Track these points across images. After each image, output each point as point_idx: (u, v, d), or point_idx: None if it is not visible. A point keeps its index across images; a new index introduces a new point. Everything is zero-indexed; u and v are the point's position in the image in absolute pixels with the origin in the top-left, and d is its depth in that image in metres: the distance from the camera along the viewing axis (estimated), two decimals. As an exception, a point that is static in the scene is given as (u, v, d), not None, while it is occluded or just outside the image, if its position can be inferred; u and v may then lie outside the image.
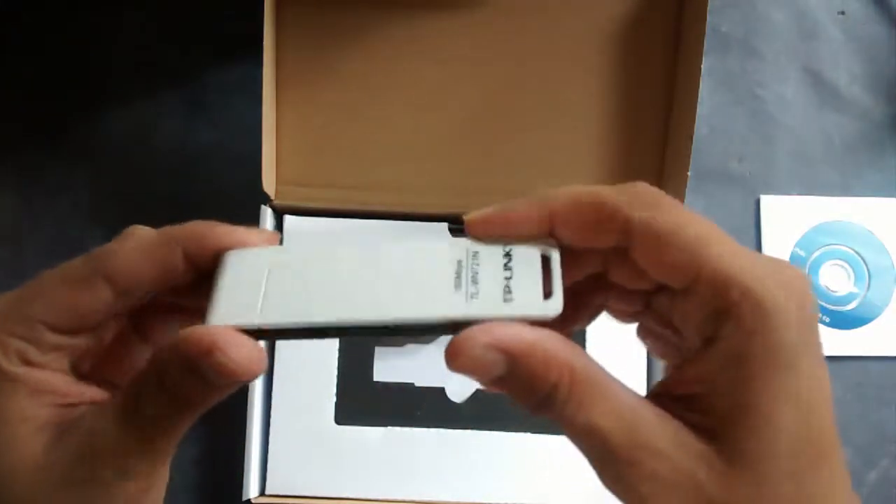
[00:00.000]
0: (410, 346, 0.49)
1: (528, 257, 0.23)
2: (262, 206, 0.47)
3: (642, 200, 0.24)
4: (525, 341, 0.21)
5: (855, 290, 0.54)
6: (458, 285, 0.22)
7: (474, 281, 0.22)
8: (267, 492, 0.46)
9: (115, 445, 0.22)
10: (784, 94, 0.56)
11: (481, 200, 0.49)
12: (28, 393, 0.23)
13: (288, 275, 0.23)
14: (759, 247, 0.54)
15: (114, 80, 0.55)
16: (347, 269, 0.23)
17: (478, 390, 0.48)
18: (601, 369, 0.22)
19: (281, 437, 0.47)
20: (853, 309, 0.53)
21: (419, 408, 0.48)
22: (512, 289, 0.22)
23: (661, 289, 0.24)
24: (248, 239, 0.24)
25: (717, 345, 0.21)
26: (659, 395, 0.22)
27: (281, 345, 0.47)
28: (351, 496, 0.46)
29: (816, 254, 0.54)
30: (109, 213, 0.53)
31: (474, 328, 0.21)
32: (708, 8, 0.44)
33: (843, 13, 0.57)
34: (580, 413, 0.21)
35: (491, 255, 0.23)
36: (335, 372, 0.47)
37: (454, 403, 0.48)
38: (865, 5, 0.57)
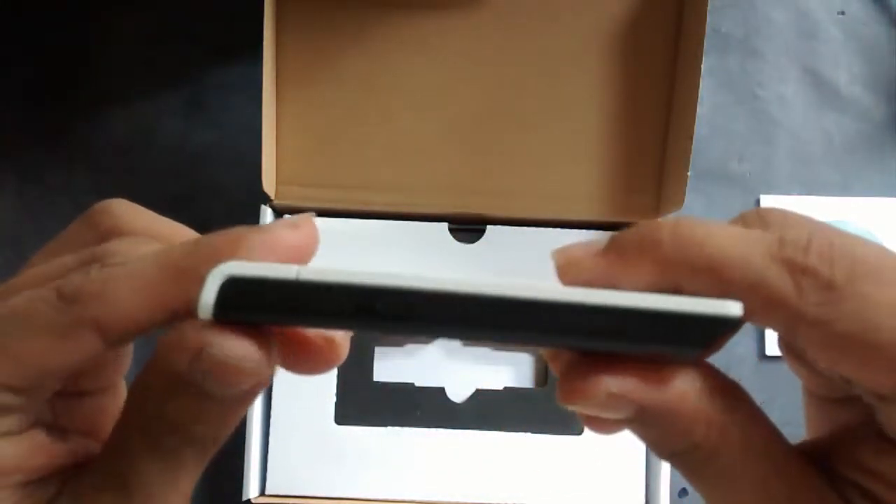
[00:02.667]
0: (410, 346, 0.49)
1: None
2: (262, 206, 0.47)
3: (814, 274, 0.16)
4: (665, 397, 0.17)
5: (855, 290, 0.54)
6: None
7: None
8: (267, 492, 0.46)
9: None
10: (784, 94, 0.56)
11: (481, 200, 0.49)
12: None
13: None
14: (759, 247, 0.54)
15: (114, 80, 0.55)
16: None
17: (478, 390, 0.48)
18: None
19: (281, 437, 0.47)
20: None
21: (419, 408, 0.47)
22: None
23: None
24: (284, 241, 0.18)
25: None
26: None
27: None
28: (351, 496, 0.46)
29: (816, 254, 0.54)
30: (109, 213, 0.53)
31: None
32: (708, 8, 0.44)
33: (843, 13, 0.57)
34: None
35: None
36: (335, 372, 0.48)
37: (454, 403, 0.48)
38: (865, 5, 0.57)
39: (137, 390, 0.18)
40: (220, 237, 0.18)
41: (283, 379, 0.47)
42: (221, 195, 0.53)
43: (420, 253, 0.49)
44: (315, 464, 0.46)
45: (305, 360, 0.19)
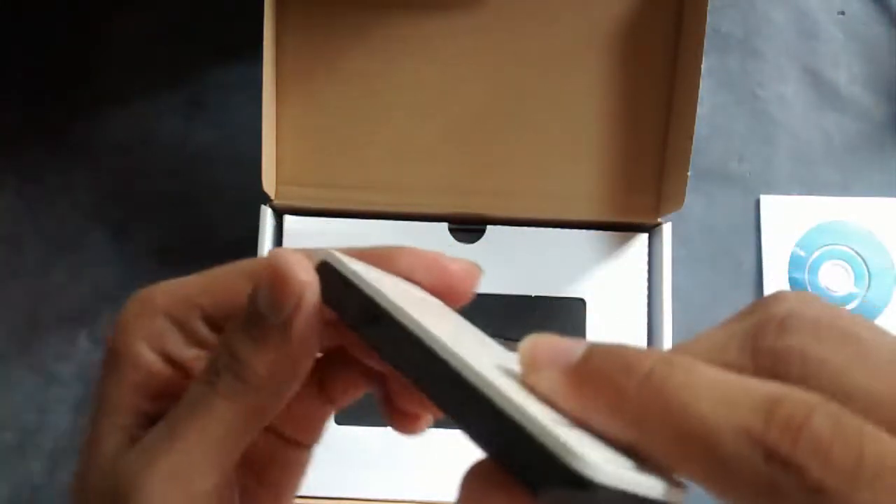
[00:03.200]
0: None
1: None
2: (262, 206, 0.47)
3: (799, 472, 0.12)
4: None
5: (855, 290, 0.54)
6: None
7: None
8: (267, 492, 0.46)
9: (144, 445, 0.19)
10: (784, 94, 0.56)
11: (481, 200, 0.49)
12: (135, 383, 0.20)
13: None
14: (759, 247, 0.54)
15: (114, 80, 0.55)
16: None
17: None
18: None
19: (281, 437, 0.47)
20: (853, 309, 0.53)
21: (419, 408, 0.47)
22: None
23: None
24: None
25: None
26: None
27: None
28: (351, 496, 0.46)
29: (816, 254, 0.54)
30: (109, 213, 0.53)
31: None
32: (708, 8, 0.44)
33: (843, 13, 0.57)
34: None
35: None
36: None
37: (454, 403, 0.48)
38: (865, 5, 0.57)
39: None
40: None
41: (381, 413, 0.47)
42: (221, 195, 0.53)
43: (420, 253, 0.49)
44: (315, 464, 0.46)
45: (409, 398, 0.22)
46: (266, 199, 0.47)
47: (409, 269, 0.20)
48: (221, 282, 0.21)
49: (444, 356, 0.16)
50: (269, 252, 0.20)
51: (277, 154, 0.49)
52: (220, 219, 0.53)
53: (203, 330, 0.21)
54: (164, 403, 0.20)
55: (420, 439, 0.47)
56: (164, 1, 0.56)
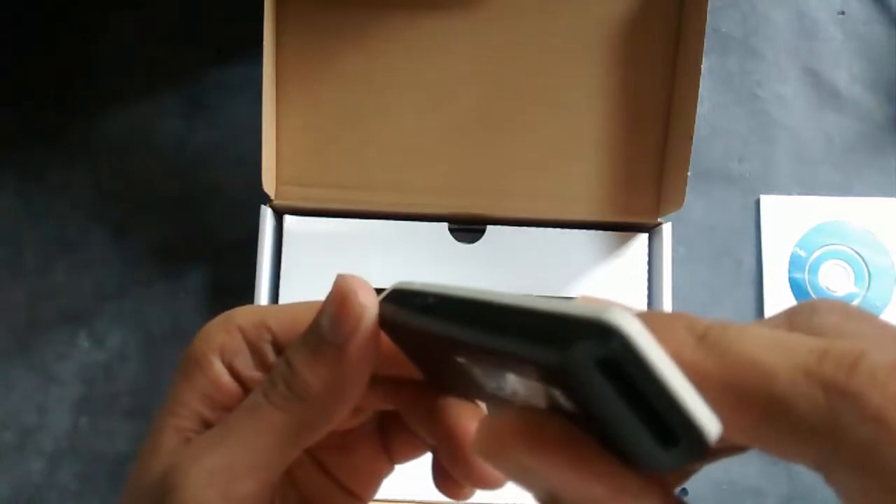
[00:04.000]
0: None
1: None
2: (262, 206, 0.47)
3: (858, 400, 0.12)
4: None
5: (855, 290, 0.54)
6: None
7: None
8: (267, 492, 0.46)
9: (194, 443, 0.20)
10: (784, 94, 0.56)
11: (481, 200, 0.49)
12: (202, 393, 0.21)
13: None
14: (759, 247, 0.54)
15: (114, 80, 0.55)
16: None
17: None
18: None
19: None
20: (853, 309, 0.53)
21: (419, 408, 0.47)
22: None
23: None
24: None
25: None
26: None
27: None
28: (351, 496, 0.46)
29: (816, 254, 0.54)
30: (109, 213, 0.53)
31: None
32: (708, 8, 0.44)
33: (843, 13, 0.57)
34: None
35: None
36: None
37: (454, 403, 0.48)
38: (865, 5, 0.57)
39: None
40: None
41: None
42: (221, 195, 0.53)
43: (420, 253, 0.49)
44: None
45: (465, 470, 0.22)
46: (266, 199, 0.47)
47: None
48: (295, 311, 0.22)
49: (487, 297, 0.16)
50: (337, 276, 0.20)
51: (277, 154, 0.49)
52: (220, 219, 0.53)
53: (270, 354, 0.21)
54: (223, 415, 0.21)
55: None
56: (164, 1, 0.56)
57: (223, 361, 0.21)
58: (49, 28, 0.55)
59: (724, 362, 0.14)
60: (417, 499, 0.46)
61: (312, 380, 0.20)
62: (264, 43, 0.45)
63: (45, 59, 0.55)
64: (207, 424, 0.21)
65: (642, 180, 0.49)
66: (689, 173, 0.45)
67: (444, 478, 0.23)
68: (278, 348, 0.22)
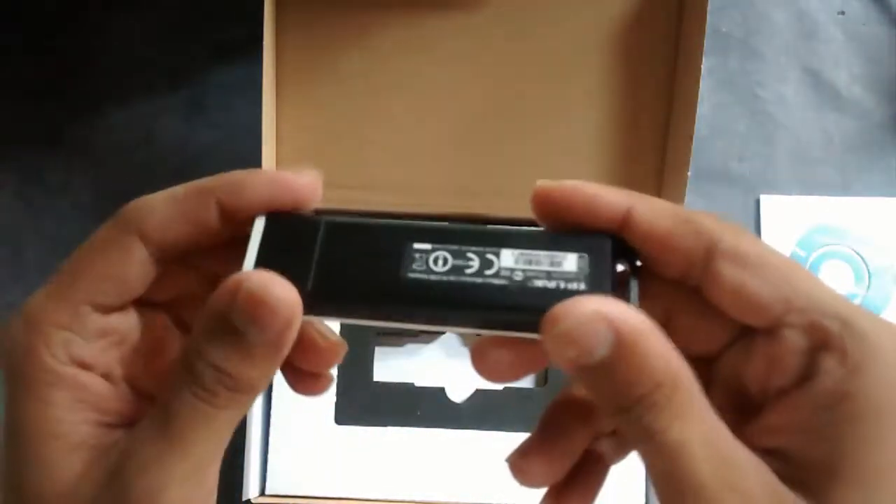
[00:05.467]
0: (410, 346, 0.49)
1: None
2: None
3: (727, 225, 0.20)
4: (638, 324, 0.18)
5: (855, 290, 0.54)
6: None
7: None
8: (267, 492, 0.46)
9: (142, 459, 0.19)
10: (784, 94, 0.56)
11: (481, 200, 0.49)
12: (69, 402, 0.20)
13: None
14: (759, 247, 0.54)
15: (114, 80, 0.55)
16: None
17: (478, 390, 0.48)
18: (699, 384, 0.19)
19: (281, 437, 0.47)
20: (853, 309, 0.53)
21: (419, 408, 0.47)
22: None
23: (723, 350, 0.21)
24: (293, 186, 0.21)
25: (815, 382, 0.18)
26: None
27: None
28: (351, 496, 0.46)
29: (816, 254, 0.54)
30: (109, 213, 0.53)
31: (579, 298, 0.18)
32: (708, 8, 0.44)
33: (843, 13, 0.57)
34: (674, 428, 0.18)
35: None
36: (335, 372, 0.47)
37: (454, 403, 0.48)
38: (865, 5, 0.57)
39: (190, 336, 0.20)
40: (241, 172, 0.22)
41: (283, 379, 0.47)
42: (221, 195, 0.53)
43: (420, 253, 0.49)
44: (315, 464, 0.46)
45: (309, 359, 0.23)
46: (266, 199, 0.47)
47: (259, 196, 0.21)
48: (88, 266, 0.21)
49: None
50: (228, 280, 0.19)
51: (277, 154, 0.49)
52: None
53: (97, 320, 0.21)
54: (95, 412, 0.21)
55: (420, 439, 0.47)
56: (165, 1, 0.56)
57: (68, 361, 0.21)
58: (49, 28, 0.55)
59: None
60: (417, 499, 0.46)
61: (254, 376, 0.20)
62: (264, 43, 0.45)
63: (46, 59, 0.55)
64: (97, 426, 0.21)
65: (642, 180, 0.49)
66: (689, 173, 0.45)
67: (297, 374, 0.24)
68: (97, 307, 0.21)
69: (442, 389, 0.48)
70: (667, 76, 0.48)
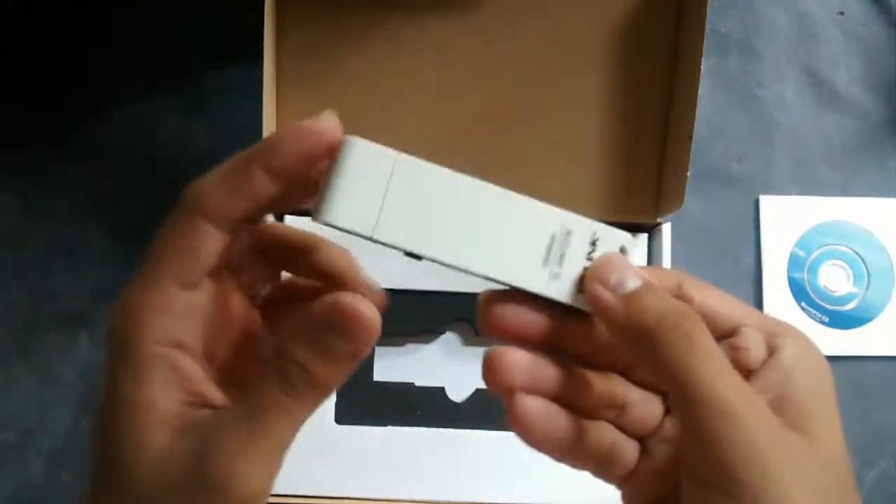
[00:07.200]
0: (410, 346, 0.49)
1: (608, 248, 0.25)
2: (263, 206, 0.47)
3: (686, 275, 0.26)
4: (664, 271, 0.26)
5: (854, 290, 0.54)
6: (546, 261, 0.24)
7: (560, 262, 0.24)
8: (267, 492, 0.46)
9: (227, 441, 0.22)
10: (784, 94, 0.56)
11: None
12: (161, 381, 0.23)
13: (406, 192, 0.24)
14: (758, 247, 0.54)
15: (114, 80, 0.55)
16: (460, 206, 0.24)
17: (478, 390, 0.48)
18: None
19: (281, 437, 0.47)
20: (852, 309, 0.54)
21: (419, 408, 0.48)
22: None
23: None
24: (317, 132, 0.24)
25: (781, 353, 0.24)
26: None
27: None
28: (351, 496, 0.46)
29: (816, 254, 0.54)
30: (109, 213, 0.53)
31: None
32: (708, 8, 0.44)
33: (842, 14, 0.57)
34: (700, 358, 0.22)
35: (581, 239, 0.25)
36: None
37: (454, 403, 0.48)
38: (865, 5, 0.57)
39: (280, 336, 0.23)
40: (275, 133, 0.24)
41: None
42: (221, 195, 0.53)
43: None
44: (315, 464, 0.46)
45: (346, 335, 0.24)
46: (266, 199, 0.47)
47: (293, 152, 0.24)
48: (169, 244, 0.24)
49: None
50: (336, 296, 0.23)
51: (277, 154, 0.49)
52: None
53: (184, 297, 0.24)
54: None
55: (420, 439, 0.47)
56: (165, 1, 0.56)
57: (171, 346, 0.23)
58: (50, 28, 0.55)
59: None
60: (417, 499, 0.46)
61: (332, 378, 0.23)
62: (264, 43, 0.45)
63: (46, 59, 0.55)
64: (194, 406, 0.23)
65: (642, 180, 0.49)
66: (688, 173, 0.45)
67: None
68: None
69: (442, 389, 0.48)
70: (666, 76, 0.48)
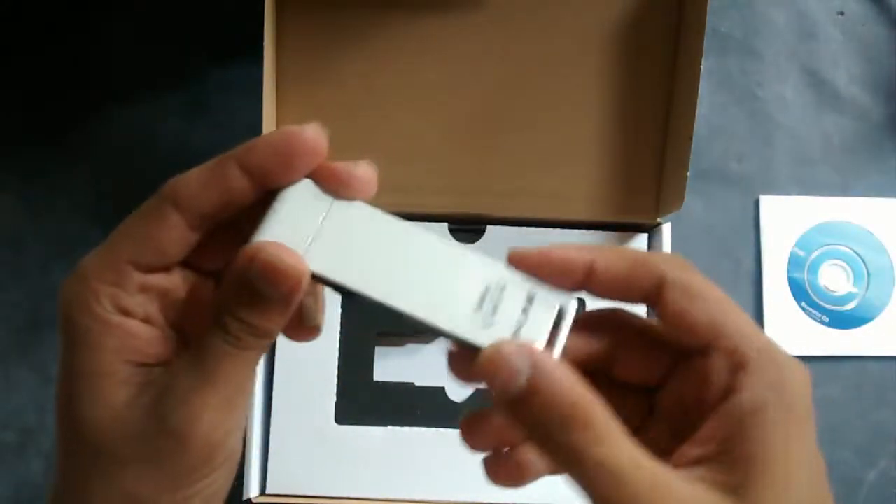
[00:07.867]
0: (410, 346, 0.49)
1: (546, 306, 0.24)
2: (263, 206, 0.47)
3: (676, 263, 0.25)
4: (551, 361, 0.22)
5: (854, 290, 0.54)
6: (478, 308, 0.24)
7: (493, 312, 0.24)
8: (267, 491, 0.46)
9: (181, 391, 0.23)
10: (784, 94, 0.56)
11: (481, 200, 0.49)
12: (115, 345, 0.24)
13: (339, 228, 0.25)
14: (758, 247, 0.54)
15: (114, 80, 0.55)
16: (392, 246, 0.25)
17: (477, 390, 0.48)
18: (615, 419, 0.22)
19: (281, 437, 0.47)
20: (852, 309, 0.54)
21: (419, 408, 0.48)
22: (521, 334, 0.24)
23: (664, 379, 0.25)
24: (297, 142, 0.25)
25: (739, 395, 0.22)
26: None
27: (281, 344, 0.47)
28: (351, 496, 0.46)
29: (816, 254, 0.54)
30: (109, 213, 0.53)
31: (506, 341, 0.23)
32: (708, 8, 0.44)
33: (842, 14, 0.57)
34: (598, 447, 0.21)
35: (515, 293, 0.24)
36: (335, 372, 0.48)
37: (454, 403, 0.48)
38: (865, 6, 0.57)
39: (216, 295, 0.24)
40: (259, 138, 0.25)
41: (284, 379, 0.47)
42: (221, 195, 0.53)
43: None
44: (315, 463, 0.46)
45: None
46: (266, 199, 0.47)
47: (267, 155, 0.25)
48: (132, 229, 0.25)
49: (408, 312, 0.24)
50: (246, 249, 0.23)
51: (277, 154, 0.49)
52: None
53: (138, 277, 0.25)
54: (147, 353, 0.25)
55: (420, 439, 0.47)
56: (165, 1, 0.56)
57: (114, 310, 0.24)
58: (50, 28, 0.56)
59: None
60: (417, 499, 0.46)
61: (273, 326, 0.24)
62: (264, 43, 0.45)
63: (46, 59, 0.55)
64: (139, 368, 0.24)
65: (642, 180, 0.49)
66: (688, 173, 0.45)
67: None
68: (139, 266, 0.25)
69: (442, 389, 0.48)
70: (666, 76, 0.48)
